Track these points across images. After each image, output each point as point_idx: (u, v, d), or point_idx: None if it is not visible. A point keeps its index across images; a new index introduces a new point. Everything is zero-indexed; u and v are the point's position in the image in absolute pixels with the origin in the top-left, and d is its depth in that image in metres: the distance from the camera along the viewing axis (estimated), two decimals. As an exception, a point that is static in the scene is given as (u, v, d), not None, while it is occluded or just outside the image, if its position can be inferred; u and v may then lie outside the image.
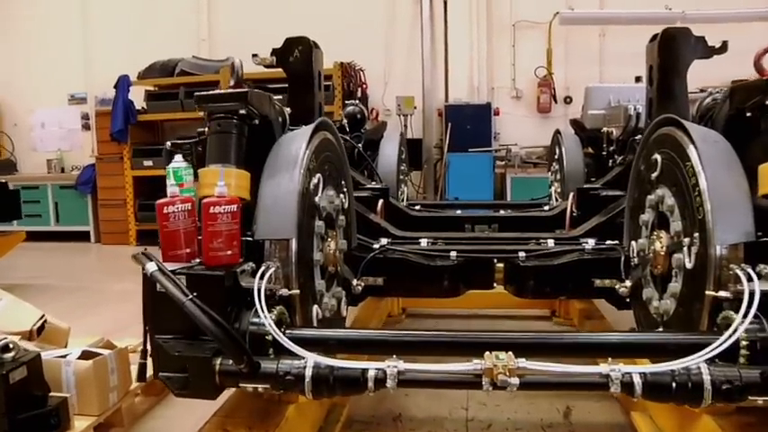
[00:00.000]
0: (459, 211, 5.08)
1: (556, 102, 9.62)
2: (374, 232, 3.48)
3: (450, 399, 3.31)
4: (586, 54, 9.49)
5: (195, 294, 1.89)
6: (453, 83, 9.82)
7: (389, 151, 5.36)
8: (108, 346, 3.54)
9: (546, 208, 4.76)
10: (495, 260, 3.07)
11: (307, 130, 2.50)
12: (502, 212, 4.87)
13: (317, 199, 2.50)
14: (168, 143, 2.59)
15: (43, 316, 3.65)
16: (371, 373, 1.86)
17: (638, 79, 5.17)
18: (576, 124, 5.56)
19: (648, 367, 1.84)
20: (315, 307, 2.44)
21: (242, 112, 2.31)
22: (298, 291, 2.20)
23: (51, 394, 2.96)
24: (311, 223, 2.47)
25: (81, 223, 10.23)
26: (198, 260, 2.13)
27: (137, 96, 9.78)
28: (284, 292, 2.17)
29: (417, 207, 5.00)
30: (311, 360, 1.89)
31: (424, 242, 3.37)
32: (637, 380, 1.81)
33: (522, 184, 8.83)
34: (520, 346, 1.92)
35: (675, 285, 2.34)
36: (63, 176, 10.59)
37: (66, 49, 10.74)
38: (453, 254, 3.08)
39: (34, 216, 9.97)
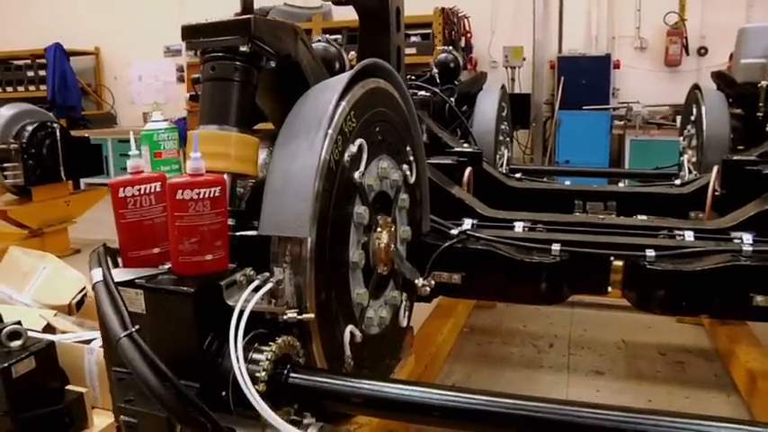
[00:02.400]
0: (568, 182, 4.46)
1: (687, 53, 8.58)
2: (456, 211, 2.77)
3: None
4: (730, -5, 8.28)
5: (137, 328, 1.23)
6: (568, 32, 8.96)
7: (488, 107, 4.64)
8: (140, 331, 3.12)
9: (677, 182, 3.89)
10: (613, 258, 2.36)
11: (342, 77, 1.72)
12: (621, 185, 4.06)
13: (356, 175, 1.75)
14: (187, 94, 1.94)
15: (84, 288, 3.32)
16: (399, 475, 1.14)
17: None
18: (722, 78, 4.58)
19: None
20: (349, 328, 1.73)
21: (244, 49, 1.57)
22: (312, 315, 1.49)
23: (68, 387, 2.64)
24: (346, 210, 1.73)
25: (174, 177, 10.12)
26: (168, 265, 1.45)
27: (228, 47, 9.43)
28: (291, 316, 1.47)
29: (518, 175, 4.31)
30: (306, 445, 1.19)
31: (519, 227, 2.67)
32: None
33: (644, 148, 7.90)
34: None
35: None
36: (157, 130, 10.47)
37: (162, 0, 10.57)
38: (556, 246, 2.41)
39: (130, 170, 10.03)
